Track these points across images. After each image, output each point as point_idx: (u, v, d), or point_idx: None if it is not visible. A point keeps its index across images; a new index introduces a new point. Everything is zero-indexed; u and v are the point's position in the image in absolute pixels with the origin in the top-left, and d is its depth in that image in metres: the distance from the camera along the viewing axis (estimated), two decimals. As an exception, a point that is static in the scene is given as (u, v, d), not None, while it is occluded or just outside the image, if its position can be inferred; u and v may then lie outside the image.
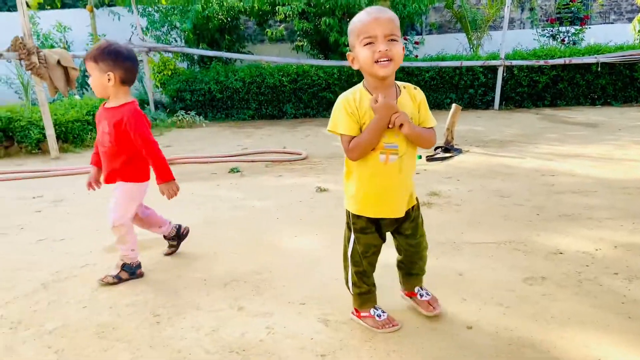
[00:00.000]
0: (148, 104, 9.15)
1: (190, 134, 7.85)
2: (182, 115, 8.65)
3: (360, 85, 1.86)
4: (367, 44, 1.73)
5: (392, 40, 1.72)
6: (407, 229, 1.98)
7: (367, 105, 1.78)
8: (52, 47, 9.26)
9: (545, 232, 3.04)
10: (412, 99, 1.85)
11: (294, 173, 4.96)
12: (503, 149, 5.64)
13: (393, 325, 1.98)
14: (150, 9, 9.52)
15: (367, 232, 1.94)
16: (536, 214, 3.40)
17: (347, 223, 1.99)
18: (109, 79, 2.47)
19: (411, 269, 2.10)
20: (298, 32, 9.43)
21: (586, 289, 2.27)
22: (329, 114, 8.18)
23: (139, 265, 2.67)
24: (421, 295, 2.10)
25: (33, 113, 6.46)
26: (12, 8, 11.81)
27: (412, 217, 1.98)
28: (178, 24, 9.48)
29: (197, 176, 5.04)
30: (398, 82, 1.87)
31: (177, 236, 2.95)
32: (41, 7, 11.88)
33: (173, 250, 2.96)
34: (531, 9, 12.05)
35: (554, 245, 2.83)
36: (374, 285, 2.05)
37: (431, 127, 1.88)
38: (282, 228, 3.33)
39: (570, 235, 2.97)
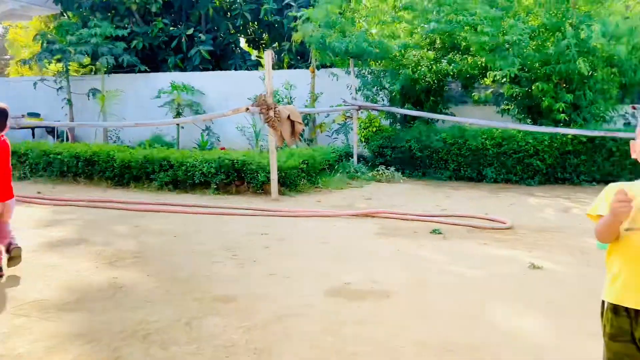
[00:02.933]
0: (352, 157, 9.83)
1: (389, 189, 8.16)
2: (382, 170, 9.06)
3: None
4: None
5: None
6: None
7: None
8: (279, 102, 10.67)
9: None
10: None
11: (500, 243, 4.77)
12: None
13: None
14: (364, 71, 10.37)
15: (618, 340, 1.73)
16: None
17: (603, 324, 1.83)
18: None
19: None
20: (506, 96, 9.21)
21: None
22: (535, 182, 7.67)
23: None
24: None
25: (262, 159, 7.47)
26: (250, 67, 14.06)
27: None
28: (387, 85, 10.10)
29: (400, 233, 5.19)
30: None
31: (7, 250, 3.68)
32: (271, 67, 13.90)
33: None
34: None
35: None
36: None
37: None
38: (496, 303, 3.22)
39: None
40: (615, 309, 1.73)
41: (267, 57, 6.74)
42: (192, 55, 13.38)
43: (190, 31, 13.51)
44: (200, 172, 7.29)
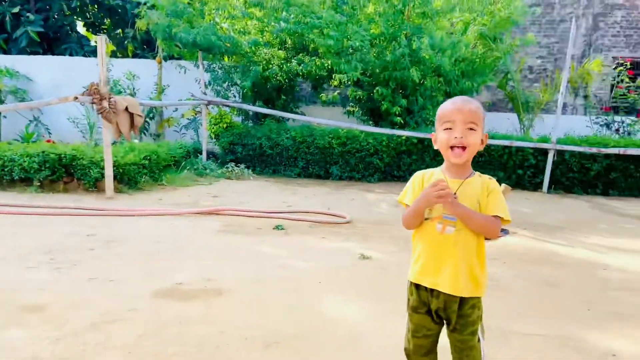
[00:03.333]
0: (201, 153, 9.53)
1: (238, 186, 8.06)
2: (232, 167, 8.94)
3: (441, 166, 1.95)
4: (446, 128, 1.84)
5: (470, 129, 1.81)
6: (456, 323, 1.86)
7: None
8: (119, 92, 9.90)
9: (598, 330, 2.91)
10: (482, 187, 1.86)
11: (337, 237, 4.99)
12: (552, 235, 5.51)
13: None
14: (214, 65, 10.12)
15: (418, 312, 1.92)
16: (587, 309, 3.27)
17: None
18: None
19: None
20: (351, 99, 9.73)
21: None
22: (375, 180, 8.19)
23: None
24: None
25: (95, 153, 6.83)
26: (88, 54, 12.80)
27: (465, 312, 1.85)
28: (238, 81, 9.99)
29: (243, 230, 5.14)
30: (478, 173, 1.90)
31: None
32: (114, 54, 12.85)
33: None
34: (585, 97, 12.07)
35: (607, 346, 2.70)
36: None
37: (496, 216, 1.82)
38: (326, 294, 3.33)
39: (625, 337, 2.83)
40: (417, 285, 1.91)
41: (100, 41, 6.17)
42: (18, 37, 11.79)
43: (16, 9, 11.88)
44: (20, 167, 6.41)
